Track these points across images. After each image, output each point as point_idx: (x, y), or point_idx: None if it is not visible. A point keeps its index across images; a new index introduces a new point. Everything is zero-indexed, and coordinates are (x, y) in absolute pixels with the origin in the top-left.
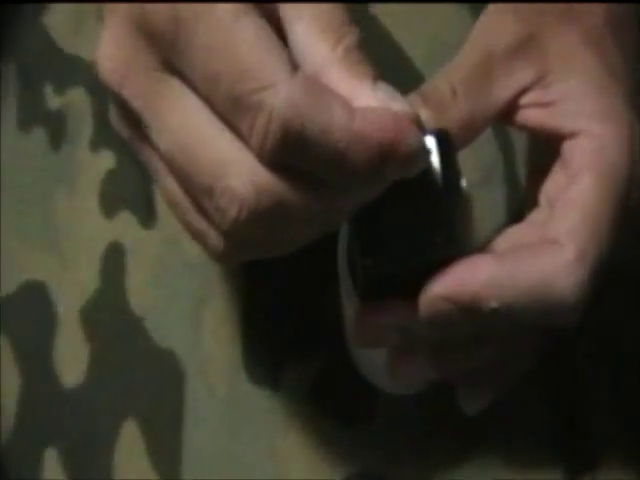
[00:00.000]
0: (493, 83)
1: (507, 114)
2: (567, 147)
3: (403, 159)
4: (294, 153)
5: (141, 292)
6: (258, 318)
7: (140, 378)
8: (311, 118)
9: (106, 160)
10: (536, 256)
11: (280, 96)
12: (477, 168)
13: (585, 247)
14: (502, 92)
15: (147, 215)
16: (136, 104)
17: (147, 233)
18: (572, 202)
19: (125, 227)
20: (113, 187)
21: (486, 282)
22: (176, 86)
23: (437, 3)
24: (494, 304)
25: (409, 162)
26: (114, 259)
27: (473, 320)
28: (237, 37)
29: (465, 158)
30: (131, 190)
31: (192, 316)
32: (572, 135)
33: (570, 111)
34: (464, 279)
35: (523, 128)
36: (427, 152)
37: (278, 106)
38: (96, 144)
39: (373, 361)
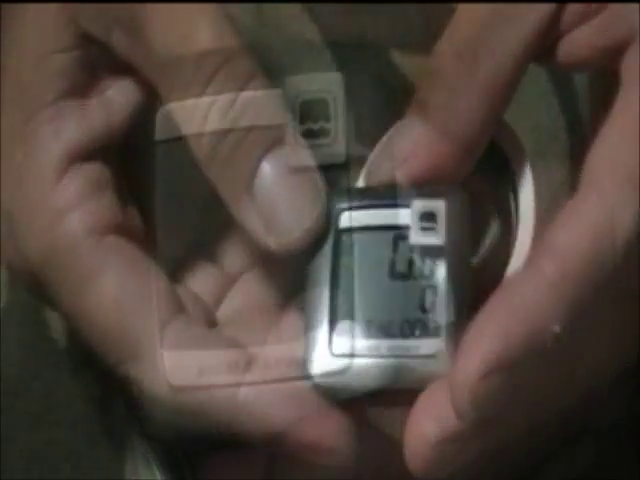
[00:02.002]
0: (507, 17)
1: (545, 54)
2: (626, 62)
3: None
4: None
5: None
6: None
7: None
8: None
9: None
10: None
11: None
12: (531, 137)
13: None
14: (525, 24)
15: None
16: None
17: None
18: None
19: None
20: None
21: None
22: None
23: (438, 3)
24: (556, 328)
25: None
26: None
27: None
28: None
29: (515, 123)
30: None
31: None
32: (630, 40)
33: (627, 10)
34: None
35: (573, 65)
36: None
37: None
38: None
39: None
